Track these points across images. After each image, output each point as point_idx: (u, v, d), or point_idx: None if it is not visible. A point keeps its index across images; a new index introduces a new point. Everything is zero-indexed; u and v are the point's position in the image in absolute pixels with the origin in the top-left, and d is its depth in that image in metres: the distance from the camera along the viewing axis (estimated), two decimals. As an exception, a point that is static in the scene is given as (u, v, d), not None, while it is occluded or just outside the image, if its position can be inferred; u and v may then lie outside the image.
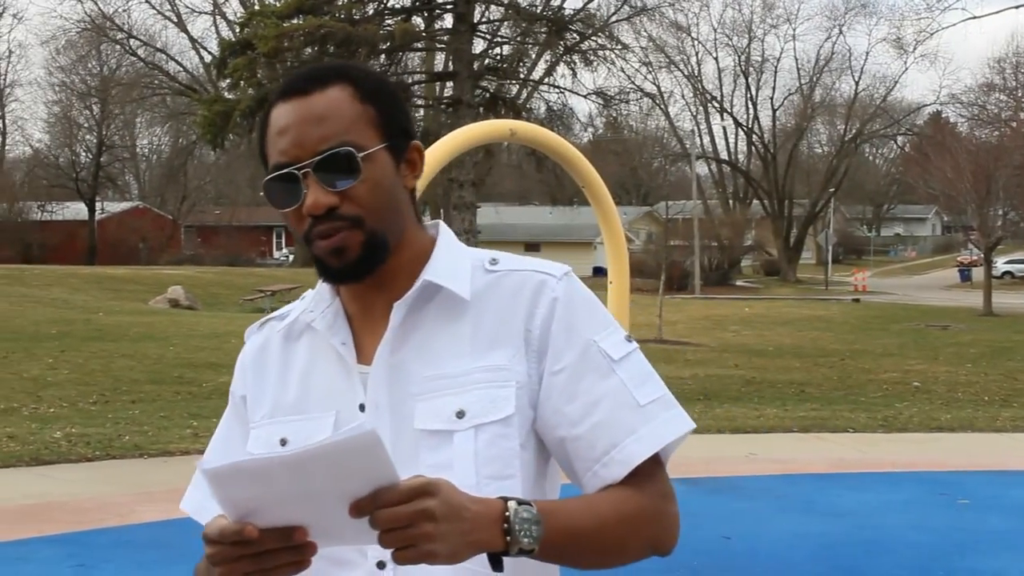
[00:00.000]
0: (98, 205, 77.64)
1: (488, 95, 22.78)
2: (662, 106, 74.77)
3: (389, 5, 22.37)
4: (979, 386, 20.11)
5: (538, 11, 23.27)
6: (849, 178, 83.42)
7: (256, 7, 24.17)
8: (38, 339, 22.90)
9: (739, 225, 71.01)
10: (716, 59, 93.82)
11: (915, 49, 77.59)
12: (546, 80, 26.10)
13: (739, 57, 79.77)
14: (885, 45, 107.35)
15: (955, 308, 44.98)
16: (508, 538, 1.81)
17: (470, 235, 20.55)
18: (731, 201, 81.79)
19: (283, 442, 2.11)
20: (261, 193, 2.08)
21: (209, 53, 65.05)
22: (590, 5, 27.73)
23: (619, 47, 25.40)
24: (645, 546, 2.07)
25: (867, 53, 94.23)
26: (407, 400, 2.03)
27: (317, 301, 2.16)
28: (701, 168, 78.76)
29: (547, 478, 2.12)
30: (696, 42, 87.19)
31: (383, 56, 22.57)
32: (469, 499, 1.80)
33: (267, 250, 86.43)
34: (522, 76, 25.84)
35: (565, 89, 25.19)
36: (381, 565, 1.99)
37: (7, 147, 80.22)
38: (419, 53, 29.25)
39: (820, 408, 16.91)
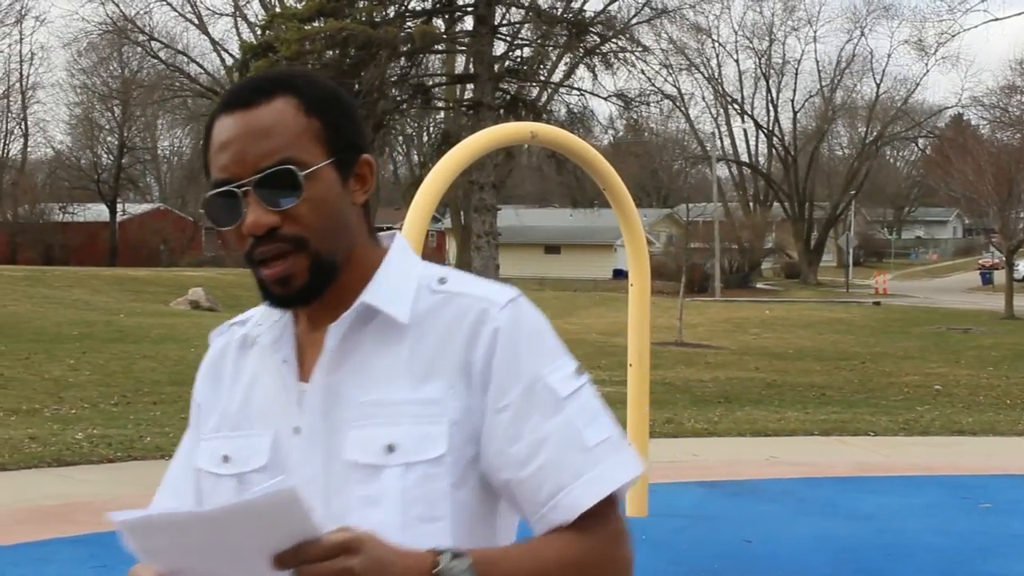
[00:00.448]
0: (119, 207, 77.82)
1: (508, 97, 22.78)
2: (682, 108, 74.62)
3: (410, 8, 22.41)
4: (1000, 389, 20.06)
5: (558, 14, 23.24)
6: (870, 181, 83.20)
7: (277, 10, 24.19)
8: (60, 340, 22.98)
9: (759, 228, 70.94)
10: (737, 61, 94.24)
11: (937, 51, 77.34)
12: (566, 82, 26.10)
13: (760, 59, 79.73)
14: (907, 47, 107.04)
15: (976, 311, 44.84)
16: None
17: (491, 237, 20.54)
18: (751, 203, 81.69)
19: (225, 459, 2.05)
20: (201, 210, 2.01)
21: (230, 55, 65.20)
22: (611, 7, 27.75)
23: (639, 49, 25.40)
24: None
25: (889, 55, 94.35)
26: (341, 426, 1.95)
27: (268, 313, 2.07)
28: (722, 170, 78.64)
29: (497, 516, 2.01)
30: (717, 44, 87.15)
31: (403, 58, 22.57)
32: (396, 553, 1.74)
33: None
34: (542, 78, 25.83)
35: (585, 91, 25.20)
36: None
37: (29, 149, 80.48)
38: (440, 55, 29.27)
39: (841, 411, 16.88)
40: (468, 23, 22.70)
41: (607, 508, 1.94)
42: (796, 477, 11.86)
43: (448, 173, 9.17)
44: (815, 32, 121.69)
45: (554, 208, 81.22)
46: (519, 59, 24.03)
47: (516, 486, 1.93)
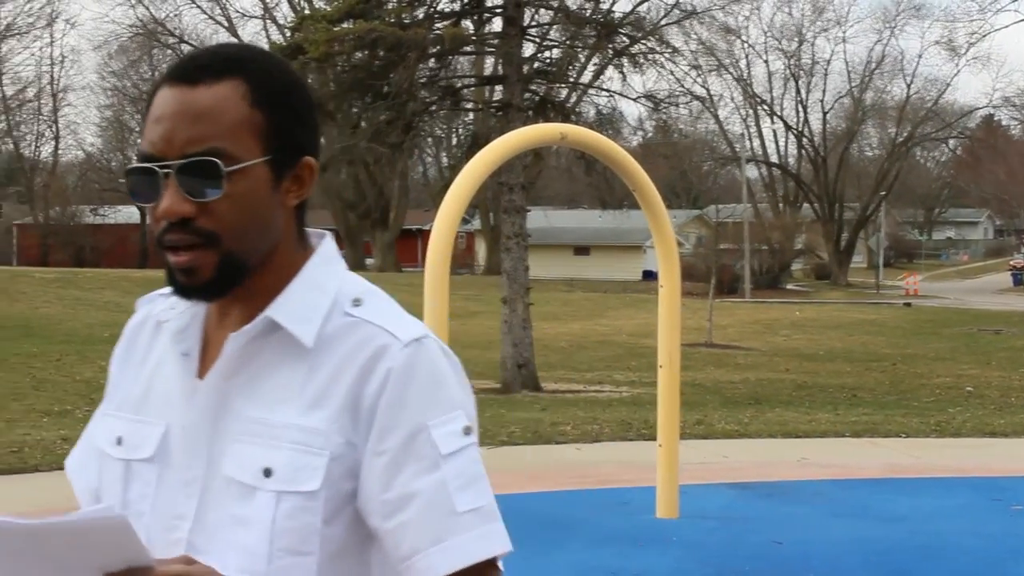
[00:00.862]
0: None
1: (537, 99, 22.74)
2: (712, 109, 74.48)
3: (439, 9, 22.37)
4: (1033, 391, 19.97)
5: (587, 15, 23.21)
6: (900, 181, 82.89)
7: (306, 12, 24.25)
8: (91, 342, 23.07)
9: (789, 228, 70.68)
10: (766, 62, 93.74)
11: (967, 51, 77.13)
12: (595, 83, 26.08)
13: (789, 60, 79.47)
14: (937, 48, 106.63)
15: (1008, 312, 44.66)
16: None
17: (520, 239, 20.53)
18: (781, 204, 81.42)
19: (119, 441, 1.96)
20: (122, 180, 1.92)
21: (260, 58, 65.29)
22: (640, 8, 27.73)
23: (669, 50, 25.32)
24: None
25: (919, 56, 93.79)
26: (225, 436, 1.87)
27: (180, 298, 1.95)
28: (751, 171, 78.39)
29: (372, 546, 1.90)
30: (746, 45, 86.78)
31: (433, 60, 22.58)
32: None
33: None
34: (571, 79, 25.80)
35: (614, 92, 25.09)
36: None
37: (60, 151, 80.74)
38: (469, 57, 29.28)
39: (872, 413, 16.83)
40: (497, 24, 22.66)
41: (487, 569, 1.87)
42: (827, 479, 11.83)
43: (478, 174, 9.17)
44: (844, 33, 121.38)
45: (583, 209, 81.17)
46: (548, 60, 23.97)
47: (380, 535, 1.85)
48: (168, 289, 1.97)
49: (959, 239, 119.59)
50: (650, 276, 59.70)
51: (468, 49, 24.64)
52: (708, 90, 69.99)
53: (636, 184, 9.83)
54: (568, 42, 23.96)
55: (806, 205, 79.72)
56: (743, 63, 79.30)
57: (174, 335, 1.95)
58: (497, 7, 22.13)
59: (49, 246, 68.22)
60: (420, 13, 22.23)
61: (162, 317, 1.99)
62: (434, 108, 23.79)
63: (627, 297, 48.60)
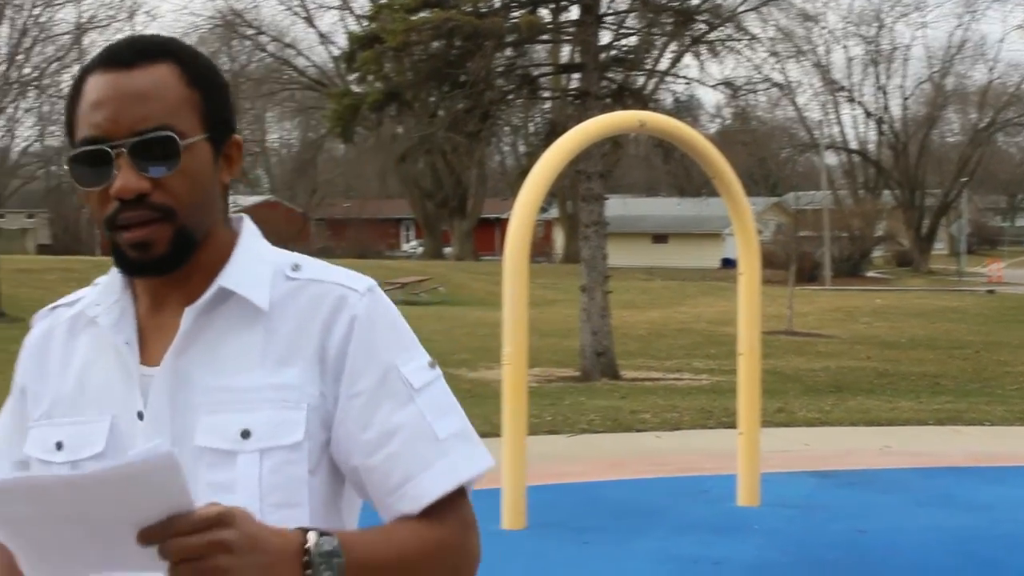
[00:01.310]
0: (230, 199, 78.68)
1: (615, 87, 22.67)
2: (790, 96, 74.00)
3: (515, -3, 22.37)
4: (1120, 378, 19.70)
5: (664, 2, 23.09)
6: (982, 167, 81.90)
7: (383, 1, 24.30)
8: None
9: (869, 215, 70.06)
10: (845, 48, 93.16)
11: (1051, 35, 75.94)
12: (673, 71, 25.94)
13: (868, 46, 78.77)
14: (1020, 32, 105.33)
15: (1094, 299, 44.04)
16: (308, 571, 1.71)
17: (598, 227, 20.48)
18: (861, 191, 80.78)
19: (59, 445, 1.96)
20: (65, 167, 1.91)
21: (337, 47, 65.65)
22: (717, -5, 27.56)
23: (747, 37, 25.15)
24: None
25: (1001, 40, 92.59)
26: (188, 411, 1.89)
27: (105, 293, 1.99)
28: (830, 158, 77.86)
29: (344, 500, 1.99)
30: (824, 31, 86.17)
31: (509, 48, 22.57)
32: (268, 530, 1.69)
33: (396, 242, 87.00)
34: (649, 67, 25.67)
35: (692, 80, 24.97)
36: None
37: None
38: (545, 45, 29.25)
39: (955, 401, 16.66)
40: (574, 12, 22.59)
41: (457, 499, 1.94)
42: (910, 467, 11.74)
43: (556, 163, 9.17)
44: (924, 17, 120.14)
45: (662, 197, 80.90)
46: (625, 48, 23.86)
47: (364, 473, 1.92)
48: (69, 298, 2.07)
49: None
50: (729, 264, 59.41)
51: (545, 37, 24.58)
52: (787, 76, 69.50)
53: (715, 171, 9.78)
54: (645, 29, 23.84)
55: (886, 192, 79.02)
56: (821, 49, 78.67)
57: (111, 327, 1.96)
58: (574, -5, 22.10)
59: (131, 237, 68.91)
60: (497, 2, 22.23)
61: (90, 313, 2.00)
62: (511, 97, 23.77)
63: (706, 285, 48.41)
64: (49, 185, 73.27)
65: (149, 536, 1.59)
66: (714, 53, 23.84)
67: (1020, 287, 54.50)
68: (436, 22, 20.84)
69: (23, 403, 2.06)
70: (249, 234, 2.03)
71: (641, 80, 25.14)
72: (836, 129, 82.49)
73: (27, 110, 54.34)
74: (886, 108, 78.77)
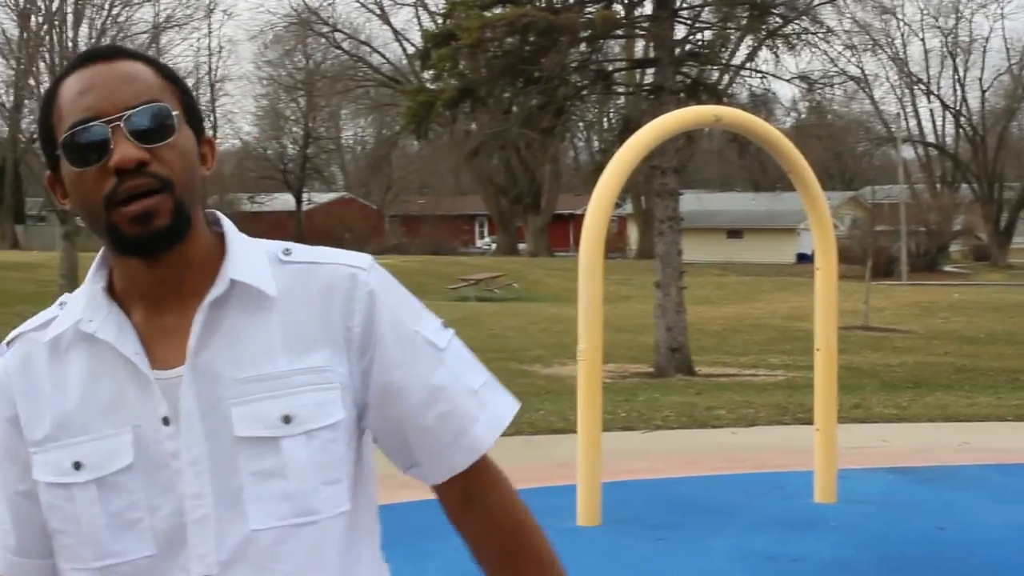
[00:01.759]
0: (305, 196, 79.29)
1: (689, 81, 22.60)
2: (867, 89, 73.42)
3: (590, -7, 22.34)
4: None
5: (740, -5, 22.98)
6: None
7: (458, -2, 24.37)
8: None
9: (947, 209, 69.42)
10: (922, 40, 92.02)
11: None
12: (748, 65, 25.81)
13: (946, 38, 78.02)
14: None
15: None
16: None
17: (673, 222, 20.44)
18: (938, 185, 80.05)
19: (77, 465, 1.94)
20: (42, 158, 1.94)
21: (412, 45, 65.88)
22: (793, -12, 27.39)
23: (823, 30, 25.00)
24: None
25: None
26: (219, 405, 1.91)
27: (92, 309, 1.97)
28: (907, 152, 77.22)
29: (364, 470, 2.07)
30: (902, 23, 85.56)
31: (584, 44, 22.54)
32: None
33: (470, 239, 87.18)
34: (724, 61, 25.57)
35: (767, 74, 24.81)
36: None
37: (218, 140, 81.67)
38: (620, 40, 29.21)
39: (1035, 396, 16.48)
40: (648, 7, 22.54)
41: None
42: (990, 463, 11.61)
43: (631, 158, 9.15)
44: (1003, 9, 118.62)
45: (736, 192, 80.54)
46: (700, 42, 23.79)
47: (417, 434, 2.04)
48: (36, 321, 2.05)
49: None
50: (804, 259, 59.07)
51: (619, 32, 24.57)
52: (863, 70, 69.02)
53: (791, 166, 9.73)
54: (720, 23, 23.75)
55: (964, 185, 78.26)
56: (898, 42, 78.14)
57: (115, 341, 1.95)
58: (648, -11, 22.04)
59: (208, 234, 69.41)
60: (571, -2, 22.22)
61: (88, 329, 1.97)
62: (585, 92, 23.75)
63: (781, 280, 48.16)
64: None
65: None
66: (790, 47, 23.71)
67: (1101, 281, 53.79)
68: (510, 18, 20.86)
69: (12, 434, 2.01)
70: (231, 227, 2.06)
71: (716, 75, 25.06)
72: (913, 122, 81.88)
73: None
74: (964, 101, 78.06)
